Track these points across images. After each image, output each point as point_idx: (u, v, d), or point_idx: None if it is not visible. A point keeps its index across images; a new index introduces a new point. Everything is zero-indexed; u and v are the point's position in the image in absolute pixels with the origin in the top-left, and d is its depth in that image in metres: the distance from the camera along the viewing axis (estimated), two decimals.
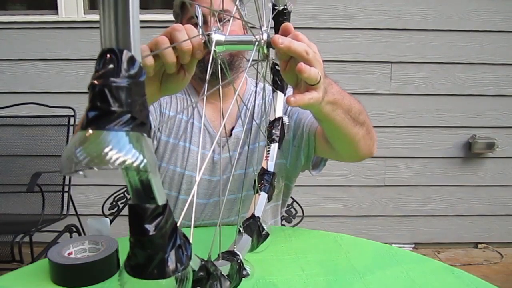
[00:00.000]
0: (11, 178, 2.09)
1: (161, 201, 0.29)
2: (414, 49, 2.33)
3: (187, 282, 0.33)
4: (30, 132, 2.13)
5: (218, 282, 0.41)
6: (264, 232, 0.61)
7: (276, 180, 0.68)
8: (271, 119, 0.78)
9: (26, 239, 1.62)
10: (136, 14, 0.26)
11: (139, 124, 0.26)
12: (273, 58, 0.67)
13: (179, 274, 0.31)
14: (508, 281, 2.16)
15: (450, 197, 2.49)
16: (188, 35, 0.60)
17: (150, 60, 0.59)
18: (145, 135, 0.26)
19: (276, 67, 0.75)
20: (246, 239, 0.58)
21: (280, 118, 0.77)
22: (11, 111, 2.12)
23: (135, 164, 0.24)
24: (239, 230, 0.58)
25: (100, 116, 0.24)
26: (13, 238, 1.59)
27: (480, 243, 2.54)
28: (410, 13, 2.30)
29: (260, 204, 0.62)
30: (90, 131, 0.24)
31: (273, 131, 0.76)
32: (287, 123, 0.78)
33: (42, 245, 1.73)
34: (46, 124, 2.12)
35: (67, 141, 2.09)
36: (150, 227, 0.29)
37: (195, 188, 0.42)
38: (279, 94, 0.81)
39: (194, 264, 0.38)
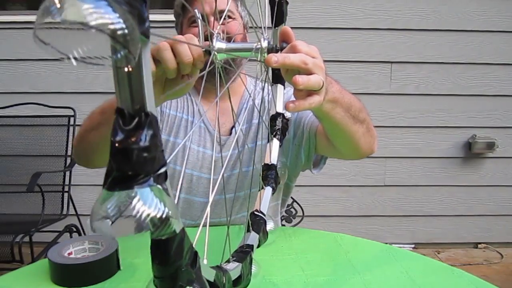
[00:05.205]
0: (11, 178, 2.09)
1: (179, 229, 0.31)
2: (414, 49, 2.33)
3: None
4: (30, 132, 2.13)
5: None
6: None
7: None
8: (272, 113, 0.77)
9: (26, 239, 1.62)
10: (149, 77, 0.27)
11: (159, 176, 0.28)
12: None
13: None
14: (508, 281, 2.16)
15: (450, 197, 2.49)
16: (189, 47, 0.60)
17: (151, 67, 0.59)
18: (164, 185, 0.28)
19: None
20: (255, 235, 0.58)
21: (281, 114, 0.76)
22: (11, 111, 2.12)
23: (158, 216, 0.26)
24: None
25: (124, 177, 0.26)
26: (13, 238, 1.59)
27: (480, 243, 2.54)
28: (411, 13, 2.30)
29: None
30: (115, 193, 0.26)
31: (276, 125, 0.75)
32: (289, 117, 0.78)
33: (42, 245, 1.73)
34: (46, 124, 2.12)
35: (67, 141, 2.09)
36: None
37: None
38: (279, 86, 0.81)
39: (209, 275, 0.38)
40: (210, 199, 0.47)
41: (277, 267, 0.75)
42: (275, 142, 0.73)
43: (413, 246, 2.53)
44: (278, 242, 0.86)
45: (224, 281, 0.42)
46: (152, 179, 0.27)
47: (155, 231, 0.28)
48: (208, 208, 0.46)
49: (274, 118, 0.76)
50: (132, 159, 0.26)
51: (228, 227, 0.53)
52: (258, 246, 0.59)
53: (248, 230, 0.58)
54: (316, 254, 0.80)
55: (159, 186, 0.28)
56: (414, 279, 0.71)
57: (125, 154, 0.26)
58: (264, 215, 0.61)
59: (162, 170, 0.28)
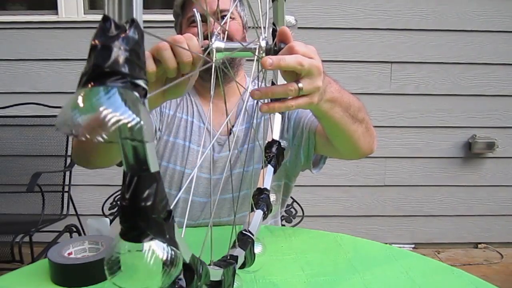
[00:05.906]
0: (11, 178, 2.09)
1: (154, 169, 0.28)
2: (414, 49, 2.33)
3: (175, 268, 0.30)
4: (30, 132, 2.13)
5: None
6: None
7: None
8: (268, 139, 0.77)
9: (26, 239, 1.62)
10: None
11: (136, 85, 0.26)
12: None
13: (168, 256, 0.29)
14: (508, 281, 2.16)
15: (450, 197, 2.49)
16: (188, 45, 0.60)
17: (152, 67, 0.59)
18: (142, 99, 0.26)
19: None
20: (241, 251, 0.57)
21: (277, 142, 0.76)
22: (11, 111, 2.12)
23: (129, 125, 0.23)
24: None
25: (98, 74, 0.25)
26: (13, 238, 1.59)
27: (480, 243, 2.54)
28: (410, 13, 2.30)
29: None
30: (86, 90, 0.24)
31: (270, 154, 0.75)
32: (285, 145, 0.78)
33: (42, 245, 1.73)
34: (46, 124, 2.12)
35: (67, 141, 2.09)
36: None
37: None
38: (276, 114, 0.81)
39: (185, 254, 0.36)
40: (190, 196, 0.46)
41: (277, 267, 0.75)
42: (269, 168, 0.73)
43: (413, 246, 2.53)
44: (278, 242, 0.86)
45: (200, 270, 0.39)
46: (129, 83, 0.25)
47: (121, 136, 0.25)
48: (189, 204, 0.45)
49: (269, 145, 0.76)
50: (111, 55, 0.25)
51: (211, 228, 0.52)
52: (244, 266, 0.57)
53: (234, 246, 0.57)
54: (316, 254, 0.80)
55: (136, 93, 0.25)
56: (414, 279, 0.71)
57: (104, 50, 0.25)
58: (253, 235, 0.60)
59: (142, 83, 0.26)
